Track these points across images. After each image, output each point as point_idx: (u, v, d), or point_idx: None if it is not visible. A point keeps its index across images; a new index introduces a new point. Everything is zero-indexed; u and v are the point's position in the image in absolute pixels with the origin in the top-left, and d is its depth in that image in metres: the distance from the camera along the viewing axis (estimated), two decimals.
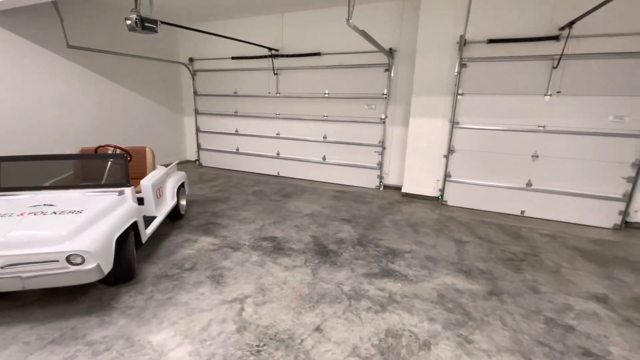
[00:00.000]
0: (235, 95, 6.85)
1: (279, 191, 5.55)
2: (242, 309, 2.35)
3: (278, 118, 6.51)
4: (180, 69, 7.31)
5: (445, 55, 4.65)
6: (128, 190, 2.77)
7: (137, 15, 3.15)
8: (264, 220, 4.12)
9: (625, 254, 3.46)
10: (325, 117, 6.04)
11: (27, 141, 4.79)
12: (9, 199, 2.60)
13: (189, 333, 2.09)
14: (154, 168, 3.76)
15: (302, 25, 5.84)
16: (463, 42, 4.41)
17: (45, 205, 2.47)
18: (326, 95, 5.94)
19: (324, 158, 6.22)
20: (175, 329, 2.13)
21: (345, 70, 5.69)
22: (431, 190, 5.19)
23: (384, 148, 5.67)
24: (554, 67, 4.10)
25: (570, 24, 3.75)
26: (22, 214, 2.29)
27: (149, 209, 3.26)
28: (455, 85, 4.66)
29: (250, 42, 5.77)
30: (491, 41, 4.33)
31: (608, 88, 3.96)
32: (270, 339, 2.06)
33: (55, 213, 2.34)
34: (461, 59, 4.54)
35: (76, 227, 2.17)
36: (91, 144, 4.12)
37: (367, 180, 5.92)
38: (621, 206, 4.11)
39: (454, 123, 4.77)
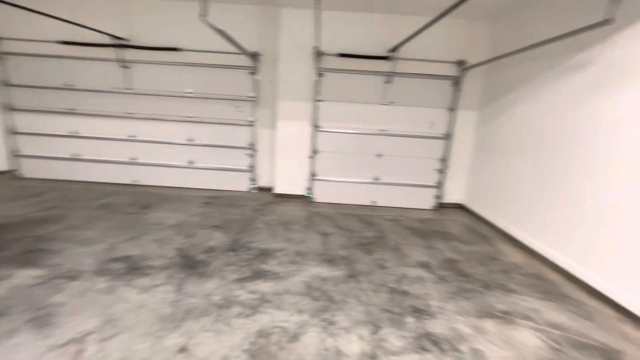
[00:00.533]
0: (71, 88, 5.52)
1: (135, 202, 4.82)
2: (81, 350, 1.93)
3: (132, 118, 5.62)
4: None
5: (306, 63, 5.04)
6: None
7: None
8: (115, 238, 3.50)
9: (439, 228, 4.57)
10: (189, 118, 5.60)
11: None
12: None
13: None
14: None
15: (155, 14, 5.23)
16: (318, 53, 4.88)
17: None
18: (189, 94, 5.51)
19: (190, 162, 5.76)
20: None
21: (209, 69, 5.41)
22: (301, 189, 5.53)
23: (254, 150, 5.69)
24: (387, 82, 5.04)
25: (395, 48, 4.66)
26: None
27: None
28: (315, 92, 5.11)
29: (86, 26, 4.77)
30: (341, 55, 4.95)
31: (422, 101, 5.13)
32: None
33: None
34: (318, 68, 5.01)
35: None
36: None
37: (240, 183, 5.83)
38: (436, 191, 5.43)
39: (316, 127, 5.23)
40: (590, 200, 3.07)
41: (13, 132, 5.70)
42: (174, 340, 2.06)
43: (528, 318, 2.56)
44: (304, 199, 5.53)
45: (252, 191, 5.83)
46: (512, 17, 4.44)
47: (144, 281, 2.71)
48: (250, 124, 5.59)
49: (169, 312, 2.33)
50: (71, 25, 4.78)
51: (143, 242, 3.47)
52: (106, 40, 5.21)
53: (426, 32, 3.72)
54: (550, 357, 2.14)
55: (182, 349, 1.99)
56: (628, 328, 2.52)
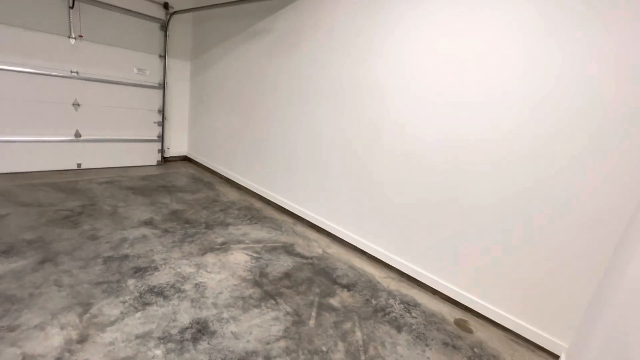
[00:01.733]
0: None
1: None
2: None
3: None
4: None
5: None
6: None
7: None
8: None
9: (164, 182, 4.47)
10: None
11: None
12: None
13: None
14: None
15: None
16: None
17: None
18: None
19: None
20: None
21: None
22: None
23: None
24: (71, 7, 3.87)
25: None
26: None
27: None
28: None
29: None
30: None
31: (126, 42, 4.44)
32: None
33: None
34: None
35: None
36: None
37: None
38: (159, 146, 5.16)
39: None
40: (270, 143, 4.05)
41: None
42: None
43: (240, 242, 3.16)
44: None
45: None
46: None
47: None
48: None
49: None
50: None
51: None
52: None
53: None
54: (253, 265, 2.79)
55: None
56: (298, 228, 3.73)
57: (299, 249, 3.21)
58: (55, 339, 1.78)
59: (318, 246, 3.35)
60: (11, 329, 1.79)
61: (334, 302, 2.48)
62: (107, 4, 4.12)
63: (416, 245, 2.87)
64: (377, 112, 3.01)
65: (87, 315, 1.97)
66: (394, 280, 2.94)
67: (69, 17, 3.91)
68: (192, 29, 5.05)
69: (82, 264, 2.44)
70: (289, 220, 3.88)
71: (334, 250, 3.33)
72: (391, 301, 2.61)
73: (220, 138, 4.85)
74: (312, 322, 2.22)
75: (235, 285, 2.49)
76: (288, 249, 3.17)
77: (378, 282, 2.86)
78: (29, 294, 2.07)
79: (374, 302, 2.56)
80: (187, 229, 3.24)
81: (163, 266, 2.57)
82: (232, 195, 4.39)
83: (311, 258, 3.08)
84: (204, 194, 4.28)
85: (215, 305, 2.24)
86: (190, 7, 4.51)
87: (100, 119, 4.45)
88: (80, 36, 4.03)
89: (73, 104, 4.19)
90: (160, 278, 2.43)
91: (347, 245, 3.41)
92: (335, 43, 3.25)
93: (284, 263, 2.91)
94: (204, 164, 5.27)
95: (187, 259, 2.72)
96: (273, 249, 3.13)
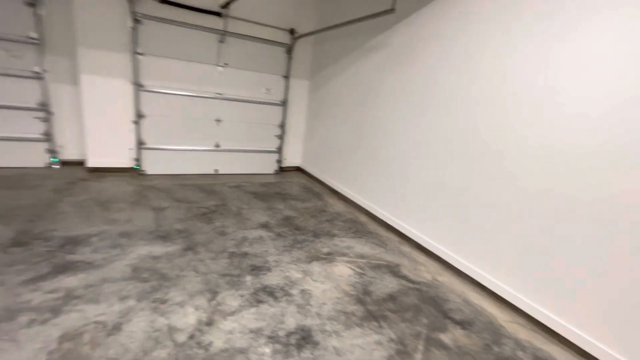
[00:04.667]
0: None
1: None
2: None
3: None
4: None
5: (115, 3, 4.05)
6: None
7: None
8: None
9: (280, 190, 4.90)
10: None
11: None
12: None
13: None
14: None
15: None
16: None
17: None
18: None
19: None
20: None
21: None
22: (126, 161, 4.68)
23: (49, 113, 4.33)
24: (221, 42, 4.72)
25: (227, 4, 4.36)
26: None
27: None
28: (133, 42, 4.24)
29: None
30: (163, 1, 4.23)
31: (258, 66, 5.12)
32: None
33: None
34: (134, 12, 4.13)
35: None
36: None
37: (30, 157, 4.38)
38: (277, 156, 5.73)
39: (138, 85, 4.41)
40: (380, 157, 3.95)
41: None
42: None
43: (344, 254, 3.16)
44: (132, 172, 4.73)
45: (52, 166, 4.51)
46: None
47: None
48: (38, 77, 4.17)
49: None
50: None
51: None
52: None
53: None
54: (356, 281, 2.73)
55: None
56: (405, 247, 3.50)
57: (404, 271, 3.00)
58: (190, 317, 2.09)
59: (427, 271, 3.06)
60: (162, 301, 2.19)
61: (445, 338, 2.19)
62: (246, 35, 4.86)
63: (564, 292, 2.30)
64: (515, 136, 2.59)
65: (214, 302, 2.26)
66: (524, 328, 2.42)
67: (218, 50, 4.77)
68: (312, 49, 5.48)
69: (213, 255, 2.84)
70: (395, 238, 3.69)
71: (446, 278, 2.98)
72: (520, 353, 2.14)
73: (331, 151, 5.05)
74: (419, 357, 2.00)
75: (338, 298, 2.48)
76: (393, 269, 3.00)
77: (501, 326, 2.40)
78: (175, 274, 2.51)
79: (496, 349, 2.15)
80: (297, 235, 3.44)
81: (275, 268, 2.77)
82: (339, 206, 4.48)
83: (418, 283, 2.83)
84: (313, 203, 4.49)
85: (319, 315, 2.26)
86: (312, 30, 4.90)
87: (234, 132, 5.24)
88: (226, 64, 4.87)
89: (215, 120, 5.06)
90: (272, 279, 2.61)
91: (462, 275, 3.01)
92: (457, 58, 2.98)
93: (389, 284, 2.76)
94: (315, 175, 5.57)
95: (295, 265, 2.86)
96: (377, 267, 3.01)
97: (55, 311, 1.97)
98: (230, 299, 2.30)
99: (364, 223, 4.03)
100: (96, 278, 2.33)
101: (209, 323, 2.05)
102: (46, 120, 4.35)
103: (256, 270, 2.70)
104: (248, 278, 2.58)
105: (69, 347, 1.74)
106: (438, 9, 3.20)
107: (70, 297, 2.11)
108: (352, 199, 4.54)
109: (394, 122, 3.79)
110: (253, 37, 4.92)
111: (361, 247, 3.37)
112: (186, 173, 5.05)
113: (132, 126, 4.56)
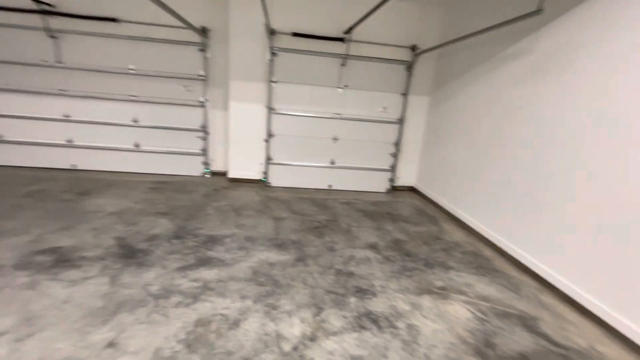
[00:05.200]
0: None
1: (71, 188, 4.42)
2: None
3: (64, 95, 5.06)
4: None
5: (258, 41, 4.81)
6: None
7: None
8: (43, 229, 3.19)
9: (390, 210, 4.72)
10: (134, 97, 5.16)
11: None
12: None
13: None
14: None
15: None
16: (271, 32, 4.68)
17: None
18: (131, 71, 5.06)
19: (136, 145, 5.36)
20: None
21: (153, 44, 4.98)
22: (256, 174, 5.41)
23: (206, 133, 5.43)
24: (342, 65, 4.99)
25: (350, 30, 4.59)
26: None
27: None
28: (269, 72, 4.93)
29: None
30: (295, 34, 4.78)
31: (376, 85, 5.17)
32: None
33: None
34: (272, 47, 4.81)
35: None
36: None
37: (191, 168, 5.56)
38: (390, 175, 5.58)
39: (270, 109, 5.08)
40: (515, 183, 3.31)
41: None
42: (101, 335, 1.94)
43: (462, 292, 2.75)
44: (260, 184, 5.43)
45: (205, 176, 5.60)
46: (462, 2, 4.53)
47: (73, 274, 2.51)
48: (202, 105, 5.30)
49: (100, 306, 2.19)
50: None
51: (77, 231, 3.21)
52: (29, 4, 4.57)
53: (380, 15, 3.70)
54: (477, 328, 2.32)
55: (111, 344, 1.88)
56: (546, 297, 2.80)
57: (544, 328, 2.38)
58: (296, 328, 2.16)
59: (579, 334, 2.35)
60: (274, 307, 2.35)
61: None
62: (367, 56, 5.00)
63: None
64: None
65: (318, 317, 2.29)
66: None
67: (339, 73, 5.05)
68: (434, 64, 5.19)
69: (321, 270, 2.92)
70: (531, 282, 3.01)
71: (610, 350, 2.22)
72: None
73: (451, 172, 4.59)
74: None
75: (452, 343, 2.15)
76: (527, 323, 2.43)
77: None
78: (287, 283, 2.67)
79: None
80: (406, 261, 3.21)
81: (380, 294, 2.63)
82: (457, 235, 4.00)
83: (566, 348, 2.20)
84: (426, 227, 4.14)
85: (427, 358, 2.00)
86: (436, 44, 4.65)
87: (349, 149, 5.40)
88: (345, 86, 5.11)
89: (332, 138, 5.33)
90: (377, 305, 2.48)
91: (637, 349, 2.19)
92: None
93: (521, 340, 2.23)
94: (430, 197, 5.17)
95: (403, 294, 2.65)
96: (504, 315, 2.49)
97: (195, 297, 2.36)
98: (334, 318, 2.29)
99: (489, 258, 3.44)
100: (225, 275, 2.70)
101: (312, 338, 2.08)
102: (204, 138, 5.45)
103: (361, 292, 2.63)
104: (352, 300, 2.52)
105: (200, 332, 2.05)
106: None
107: (206, 287, 2.50)
108: (474, 227, 3.97)
109: (537, 147, 3.15)
110: (373, 57, 5.02)
111: (484, 287, 2.88)
112: (303, 187, 5.46)
113: (263, 144, 5.25)
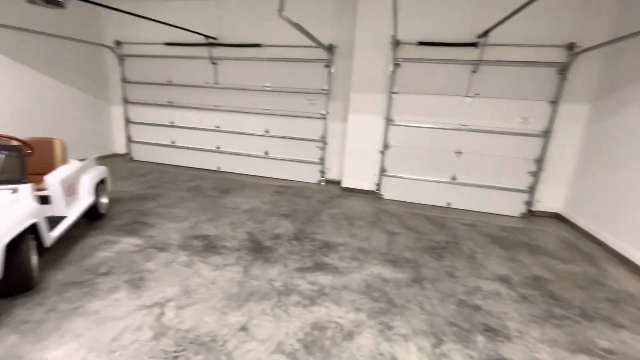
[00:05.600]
0: (170, 84, 6.36)
1: (217, 187, 5.33)
2: (162, 313, 2.20)
3: (218, 110, 6.21)
4: (104, 53, 6.58)
5: (382, 54, 4.83)
6: (24, 188, 2.42)
7: None
8: (198, 218, 3.92)
9: (527, 239, 3.96)
10: (266, 111, 5.92)
11: None
12: None
13: (96, 345, 1.90)
14: (64, 162, 3.34)
15: (241, 13, 5.62)
16: (396, 43, 4.62)
17: None
18: (267, 88, 5.81)
19: (266, 152, 6.10)
20: (80, 342, 1.92)
21: (286, 63, 5.61)
22: (369, 185, 5.40)
23: (325, 143, 5.74)
24: (474, 72, 4.51)
25: (486, 33, 4.12)
26: None
27: (57, 208, 2.89)
28: (390, 83, 4.88)
29: (185, 28, 5.39)
30: (421, 43, 4.60)
31: (515, 92, 4.47)
32: (191, 342, 1.96)
33: None
34: (395, 58, 4.75)
35: None
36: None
37: (310, 175, 5.96)
38: (526, 197, 4.71)
39: (388, 120, 5.00)
40: None
41: (128, 121, 6.84)
42: (236, 318, 2.20)
43: None
44: (372, 195, 5.38)
45: (320, 183, 5.92)
46: None
47: (217, 259, 2.97)
48: (323, 117, 5.65)
49: (235, 292, 2.50)
50: (173, 29, 5.45)
51: (220, 223, 3.81)
52: (201, 39, 5.80)
53: (526, 12, 3.18)
54: None
55: (243, 328, 2.11)
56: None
57: None
58: (412, 356, 1.99)
59: None
60: (388, 327, 2.23)
61: None
62: (506, 60, 4.39)
63: None
64: None
65: (438, 350, 2.05)
66: None
67: (470, 80, 4.59)
68: (601, 65, 4.16)
69: (440, 297, 2.63)
70: None
71: None
72: None
73: (624, 202, 3.56)
74: None
75: None
76: None
77: None
78: (402, 303, 2.51)
79: None
80: (552, 305, 2.60)
81: (517, 339, 2.19)
82: (629, 283, 3.04)
83: None
84: (581, 268, 3.30)
85: None
86: (607, 39, 3.72)
87: (474, 165, 4.82)
88: (476, 94, 4.60)
89: (455, 152, 4.86)
90: (513, 353, 2.06)
91: None
92: None
93: None
94: (585, 229, 4.13)
95: (549, 347, 2.14)
96: None
97: (312, 300, 2.46)
98: (457, 355, 2.01)
99: None
100: (339, 283, 2.72)
101: None
102: (322, 148, 5.78)
103: (491, 332, 2.24)
104: (480, 338, 2.17)
105: (317, 336, 2.10)
106: None
107: (321, 292, 2.57)
108: None
109: None
110: (513, 61, 4.37)
111: None
112: (417, 202, 5.14)
113: (379, 155, 5.20)
